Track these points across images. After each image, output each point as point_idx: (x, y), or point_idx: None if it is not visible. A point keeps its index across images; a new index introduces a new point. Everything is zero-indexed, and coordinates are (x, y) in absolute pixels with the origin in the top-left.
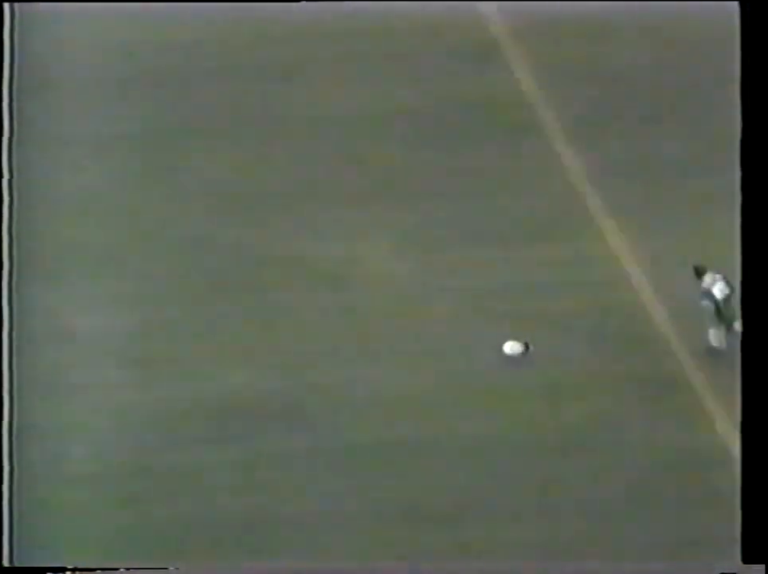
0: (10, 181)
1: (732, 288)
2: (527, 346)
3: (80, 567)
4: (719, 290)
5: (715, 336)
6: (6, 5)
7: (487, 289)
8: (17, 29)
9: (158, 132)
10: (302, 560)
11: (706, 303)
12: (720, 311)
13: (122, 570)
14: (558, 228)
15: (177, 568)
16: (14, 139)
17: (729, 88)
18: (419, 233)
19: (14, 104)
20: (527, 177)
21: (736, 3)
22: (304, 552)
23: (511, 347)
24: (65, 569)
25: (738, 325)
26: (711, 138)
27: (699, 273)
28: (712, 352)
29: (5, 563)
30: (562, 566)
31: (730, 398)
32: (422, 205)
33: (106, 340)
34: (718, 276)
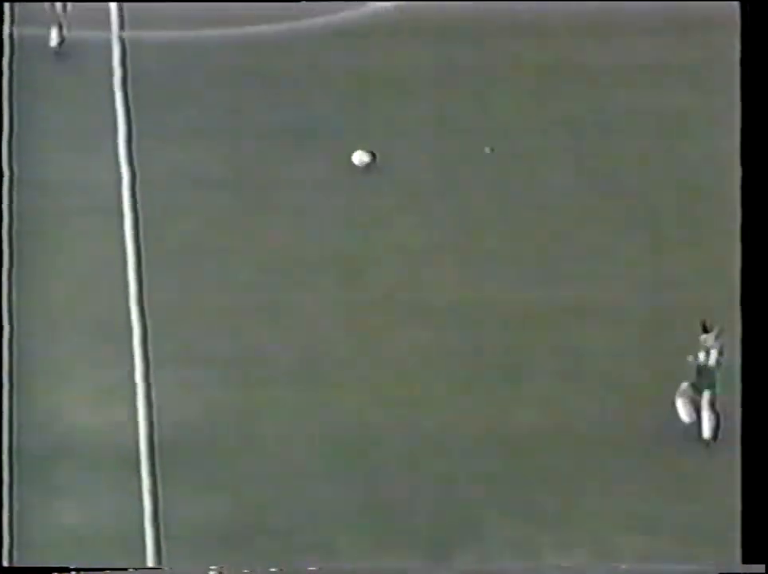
0: (11, 179)
1: (721, 359)
2: (373, 155)
3: (81, 567)
4: (714, 353)
5: (684, 407)
6: (6, 5)
7: None
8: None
9: None
10: None
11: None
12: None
13: (122, 570)
14: None
15: (173, 568)
16: (14, 138)
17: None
18: None
19: (14, 102)
20: None
21: (736, 3)
22: None
23: (359, 158)
24: (67, 569)
25: (707, 403)
26: None
27: (707, 329)
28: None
29: (5, 563)
30: (561, 566)
31: None
32: None
33: None
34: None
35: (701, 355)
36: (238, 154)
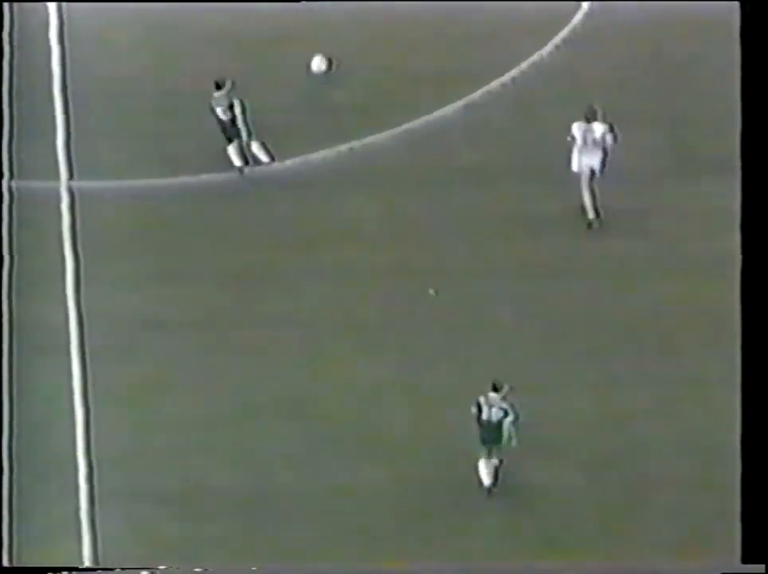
0: (10, 179)
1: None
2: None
3: (80, 567)
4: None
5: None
6: (6, 5)
7: None
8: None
9: None
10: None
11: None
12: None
13: (122, 570)
14: None
15: (177, 568)
16: (14, 138)
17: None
18: None
19: (14, 103)
20: None
21: (736, 3)
22: None
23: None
24: (66, 569)
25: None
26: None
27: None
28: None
29: (5, 563)
30: (562, 566)
31: None
32: None
33: None
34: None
35: (485, 411)
36: (190, 296)
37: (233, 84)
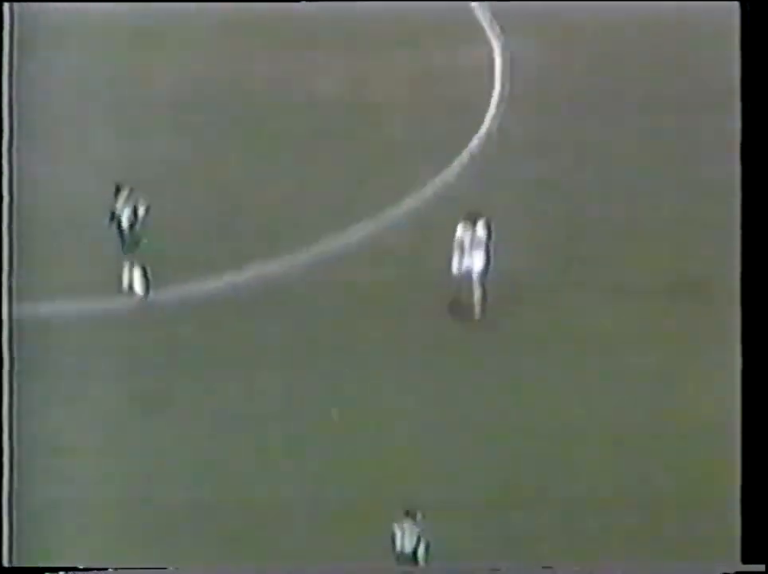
0: (10, 180)
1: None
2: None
3: (79, 567)
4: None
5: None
6: (6, 5)
7: None
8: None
9: None
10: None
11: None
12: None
13: (122, 570)
14: None
15: (176, 568)
16: (14, 139)
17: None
18: None
19: (14, 102)
20: None
21: (736, 3)
22: None
23: None
24: (65, 569)
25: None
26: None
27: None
28: None
29: (5, 563)
30: (562, 566)
31: None
32: None
33: None
34: None
35: (398, 539)
36: (93, 420)
37: (131, 189)
